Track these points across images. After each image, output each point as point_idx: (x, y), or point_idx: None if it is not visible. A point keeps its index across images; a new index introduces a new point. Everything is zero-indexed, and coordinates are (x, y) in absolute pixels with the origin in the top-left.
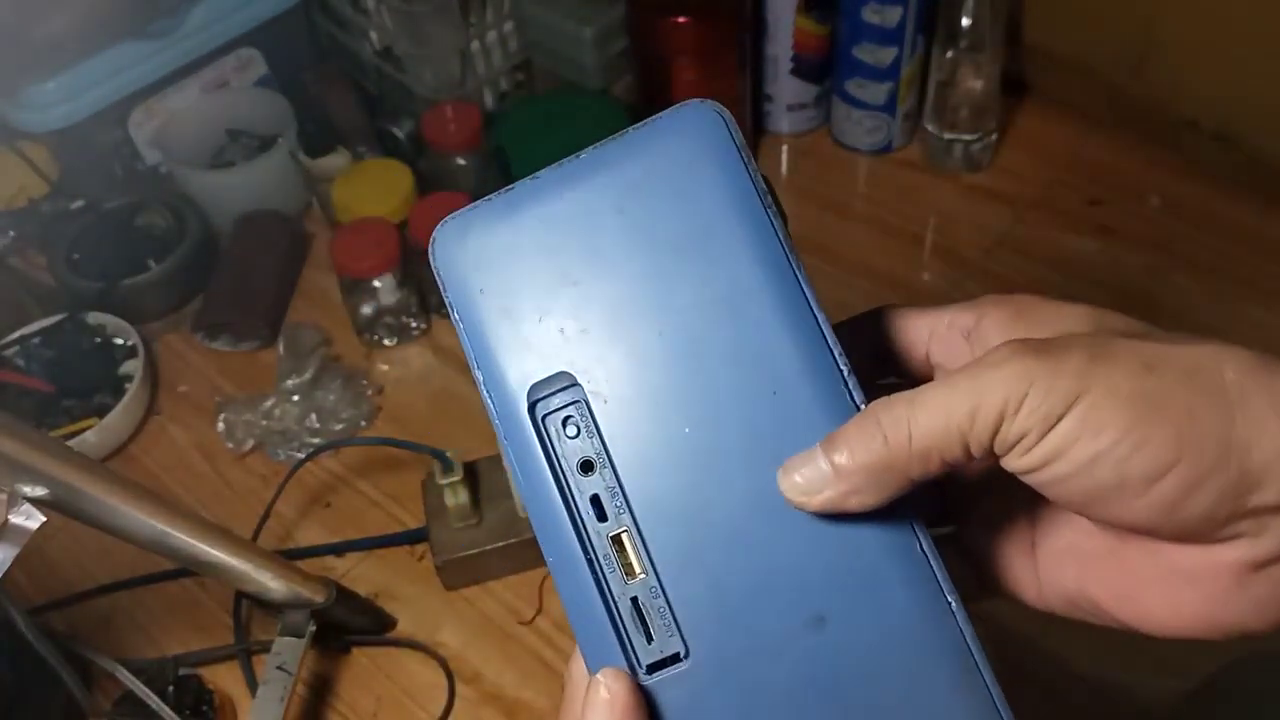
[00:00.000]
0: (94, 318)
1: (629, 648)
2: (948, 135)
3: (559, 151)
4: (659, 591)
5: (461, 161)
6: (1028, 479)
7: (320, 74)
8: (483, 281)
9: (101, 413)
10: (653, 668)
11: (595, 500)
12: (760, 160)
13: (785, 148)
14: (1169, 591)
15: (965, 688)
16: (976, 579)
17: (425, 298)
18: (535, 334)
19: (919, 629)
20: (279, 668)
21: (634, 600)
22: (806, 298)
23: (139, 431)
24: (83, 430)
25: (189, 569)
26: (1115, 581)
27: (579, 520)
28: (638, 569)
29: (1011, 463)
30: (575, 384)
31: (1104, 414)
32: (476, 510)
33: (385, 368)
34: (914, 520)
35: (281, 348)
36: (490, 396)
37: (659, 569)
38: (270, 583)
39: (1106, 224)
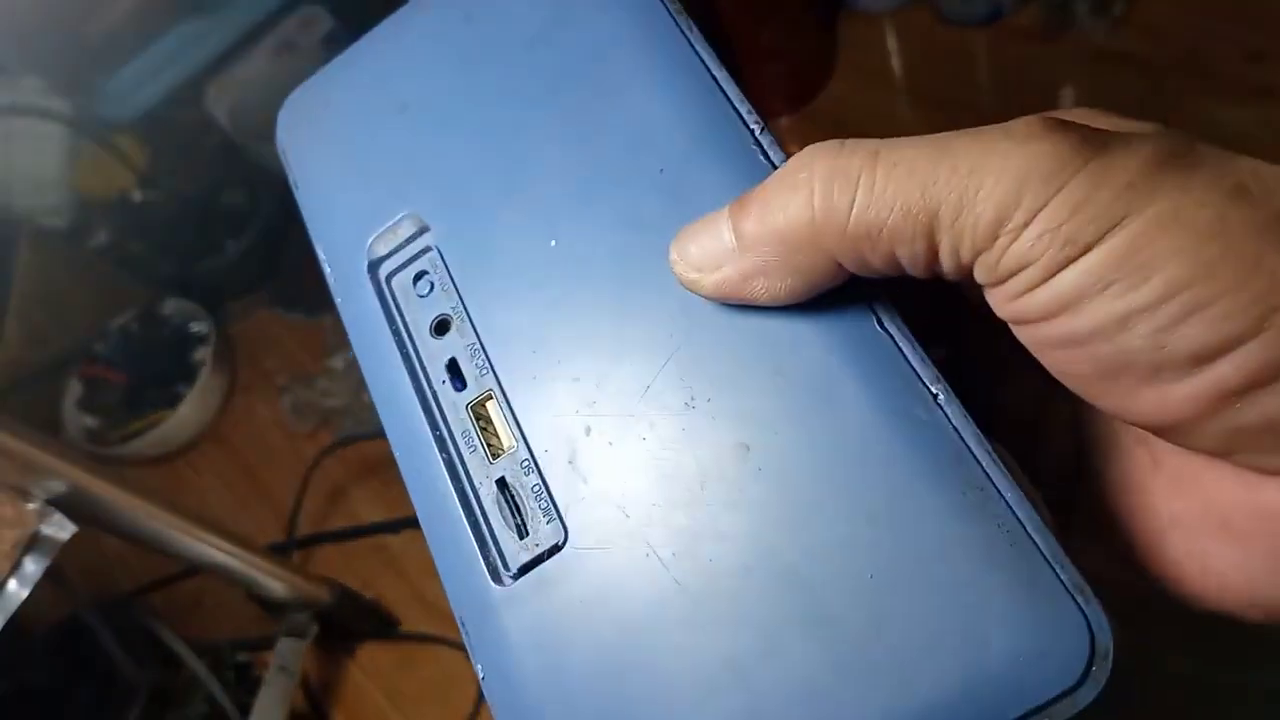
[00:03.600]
0: (171, 305)
1: (493, 549)
2: None
3: None
4: (531, 465)
5: None
6: (1020, 332)
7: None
8: (319, 143)
9: (177, 402)
10: (524, 569)
11: (453, 366)
12: (852, 50)
13: (878, 30)
14: (1197, 543)
15: (972, 508)
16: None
17: None
18: (373, 178)
19: (889, 439)
20: (280, 668)
21: (500, 483)
22: (694, 49)
23: (227, 409)
24: (159, 420)
25: (197, 570)
26: (1136, 520)
27: (429, 393)
28: (505, 443)
29: (998, 302)
30: (425, 229)
31: (1158, 251)
32: None
33: None
34: (868, 291)
35: (330, 322)
36: (329, 268)
37: (528, 434)
38: (272, 584)
39: (1270, 85)
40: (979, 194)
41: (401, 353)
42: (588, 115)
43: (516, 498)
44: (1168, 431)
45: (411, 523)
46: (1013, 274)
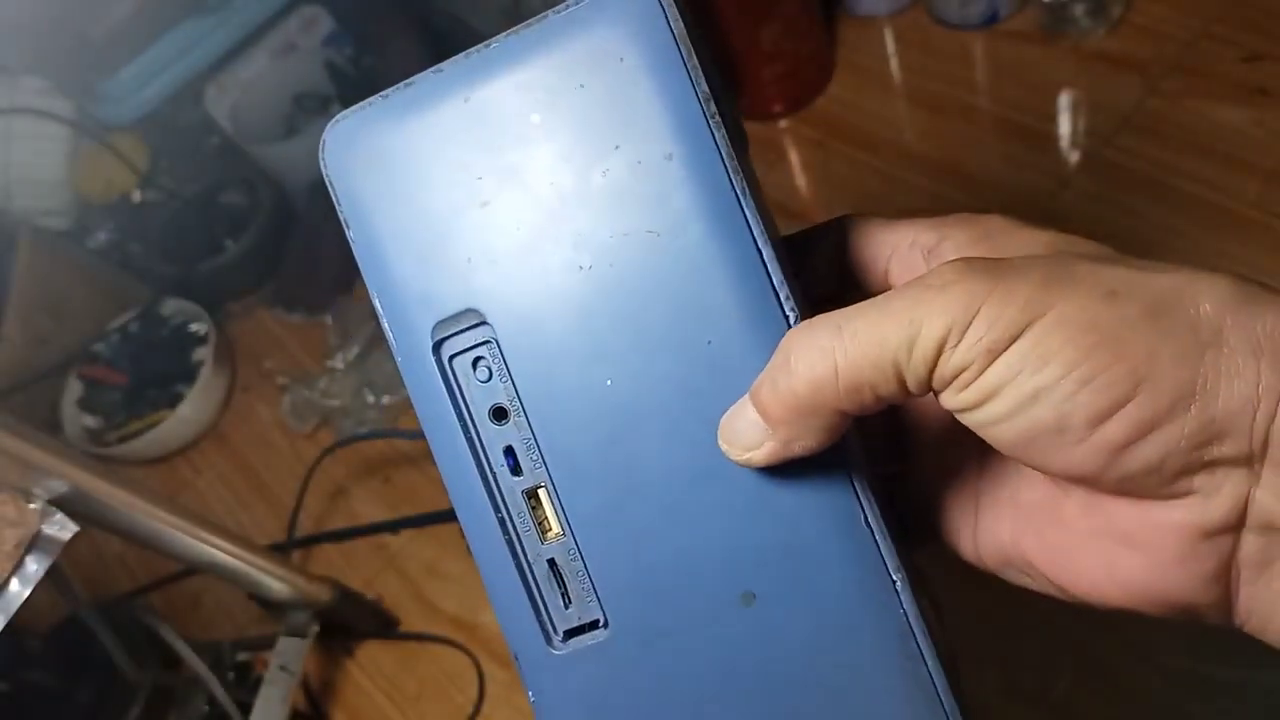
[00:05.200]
0: (171, 306)
1: (544, 612)
2: None
3: None
4: (577, 554)
5: None
6: (964, 419)
7: (382, 22)
8: (380, 195)
9: (176, 402)
10: (570, 634)
11: (509, 452)
12: (850, 52)
13: (876, 33)
14: (1105, 553)
15: (906, 674)
16: (915, 525)
17: None
18: (439, 261)
19: (858, 610)
20: (281, 668)
21: (550, 562)
22: (750, 228)
23: (228, 408)
24: (158, 421)
25: (196, 569)
26: (1049, 536)
27: (489, 473)
28: (555, 529)
29: (948, 400)
30: (485, 322)
31: (1052, 345)
32: None
33: None
34: (859, 486)
35: (330, 322)
36: (391, 332)
37: (576, 531)
38: (272, 584)
39: (1265, 85)
40: (920, 334)
41: (464, 430)
42: (650, 258)
43: (564, 576)
44: (1078, 480)
45: (411, 522)
46: (954, 377)
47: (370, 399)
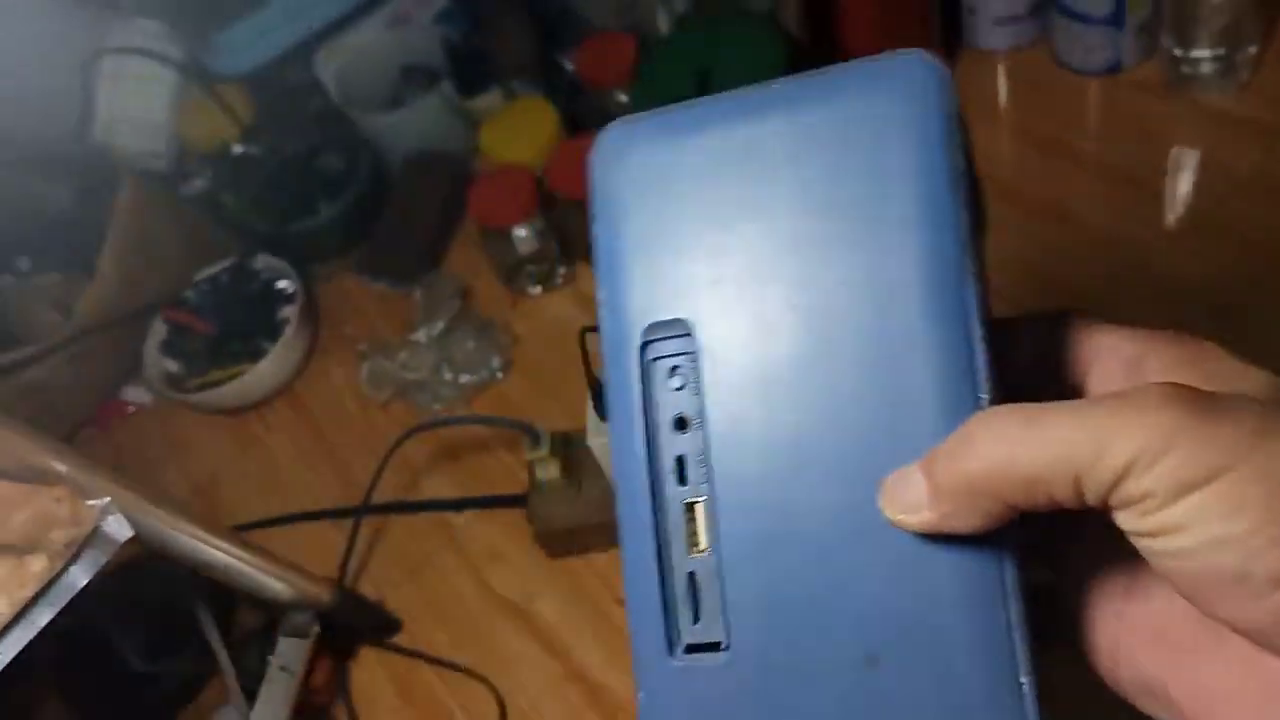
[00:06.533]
0: (261, 261)
1: (672, 621)
2: (1190, 52)
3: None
4: (717, 574)
5: (623, 98)
6: (1138, 544)
7: (493, 3)
8: (631, 199)
9: (259, 356)
10: (691, 649)
11: (680, 461)
12: (964, 84)
13: (991, 66)
14: (1265, 716)
15: None
16: (1053, 629)
17: (568, 245)
18: (668, 270)
19: (977, 704)
20: (282, 668)
21: (690, 575)
22: (966, 309)
23: (305, 369)
24: (240, 374)
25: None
26: (1201, 684)
27: (658, 476)
28: (703, 544)
29: (1125, 520)
30: (690, 334)
31: (1248, 495)
32: (574, 483)
33: (523, 317)
34: (1009, 579)
35: (419, 295)
36: (606, 320)
37: (723, 552)
38: (272, 583)
39: None
40: (1111, 450)
41: (646, 429)
42: (862, 313)
43: (699, 593)
44: (1245, 633)
45: (470, 503)
46: (1137, 501)
47: (448, 376)
